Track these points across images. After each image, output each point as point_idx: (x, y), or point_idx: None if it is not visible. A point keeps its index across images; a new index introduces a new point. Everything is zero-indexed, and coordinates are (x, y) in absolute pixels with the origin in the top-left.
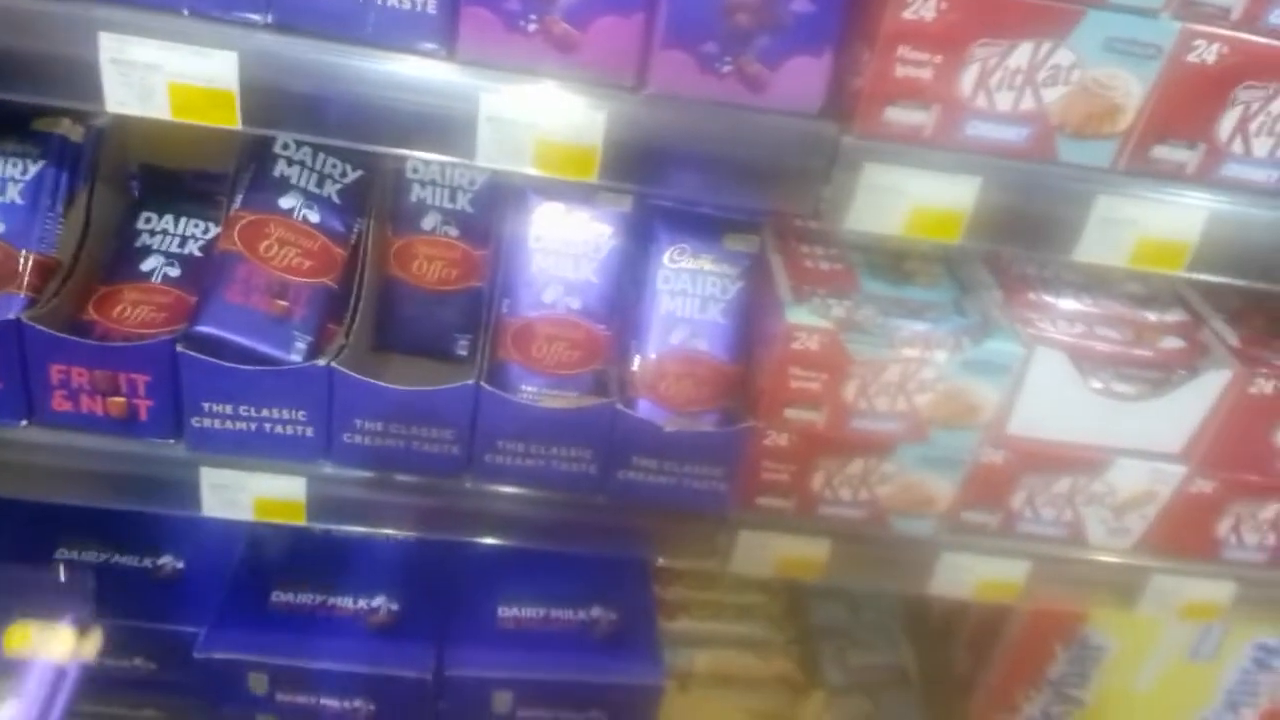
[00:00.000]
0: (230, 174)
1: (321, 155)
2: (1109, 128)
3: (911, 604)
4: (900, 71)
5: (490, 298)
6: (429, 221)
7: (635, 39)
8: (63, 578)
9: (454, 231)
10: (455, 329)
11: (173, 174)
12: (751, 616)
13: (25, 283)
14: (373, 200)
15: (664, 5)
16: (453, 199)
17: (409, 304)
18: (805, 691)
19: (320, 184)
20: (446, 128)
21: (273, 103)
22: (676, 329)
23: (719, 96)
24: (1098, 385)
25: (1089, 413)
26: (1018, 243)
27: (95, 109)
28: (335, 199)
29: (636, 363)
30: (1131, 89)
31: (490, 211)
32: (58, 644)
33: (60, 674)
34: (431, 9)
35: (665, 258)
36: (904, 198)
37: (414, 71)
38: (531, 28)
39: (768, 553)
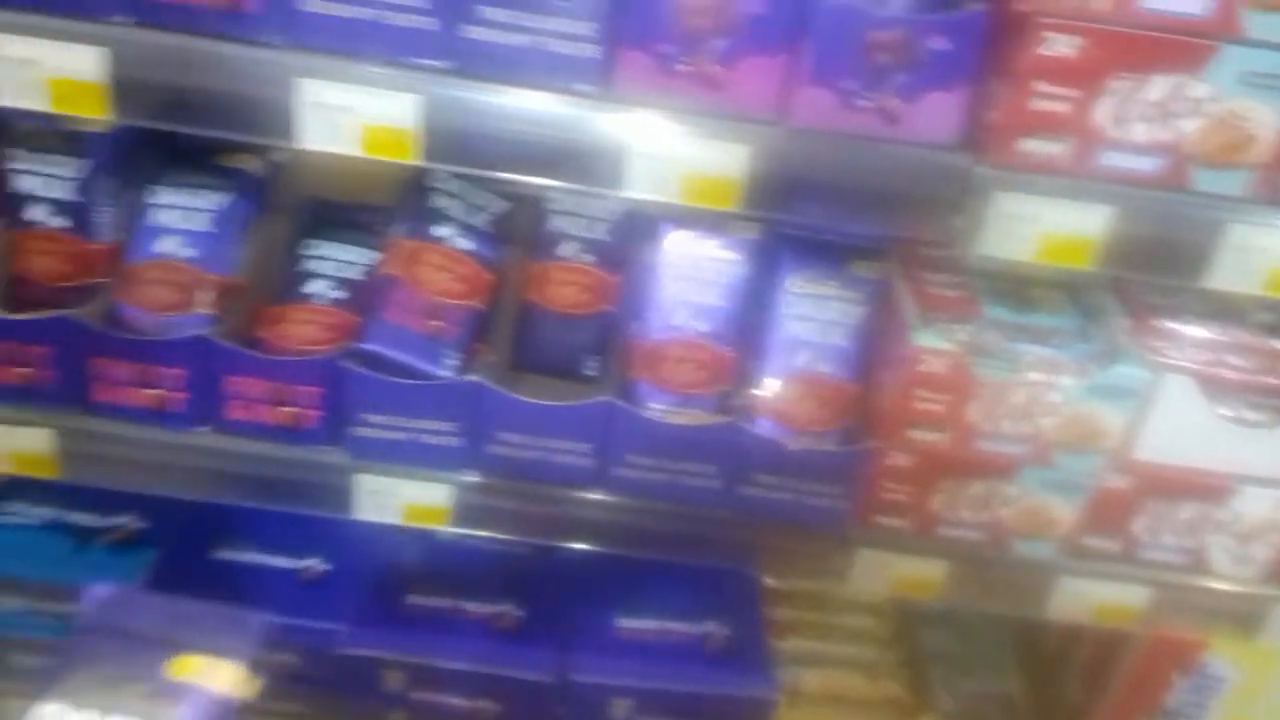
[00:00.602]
0: (389, 206)
1: (473, 188)
2: (1243, 158)
3: (1023, 631)
4: (1036, 105)
5: (622, 321)
6: (566, 249)
7: (779, 77)
8: (235, 616)
9: (589, 258)
10: (586, 351)
11: (336, 205)
12: (861, 639)
13: (210, 302)
14: (517, 229)
15: (809, 47)
16: (589, 228)
17: (544, 326)
18: (914, 715)
19: (471, 214)
20: (599, 162)
21: (449, 140)
22: (800, 352)
23: (856, 129)
24: (1226, 412)
25: (1216, 440)
26: (1149, 270)
27: (290, 146)
28: (484, 228)
29: (760, 383)
30: (1267, 120)
31: (624, 240)
32: (222, 678)
33: (221, 707)
34: (592, 53)
35: (791, 283)
36: (1035, 225)
37: (572, 110)
38: (683, 68)
39: (885, 572)
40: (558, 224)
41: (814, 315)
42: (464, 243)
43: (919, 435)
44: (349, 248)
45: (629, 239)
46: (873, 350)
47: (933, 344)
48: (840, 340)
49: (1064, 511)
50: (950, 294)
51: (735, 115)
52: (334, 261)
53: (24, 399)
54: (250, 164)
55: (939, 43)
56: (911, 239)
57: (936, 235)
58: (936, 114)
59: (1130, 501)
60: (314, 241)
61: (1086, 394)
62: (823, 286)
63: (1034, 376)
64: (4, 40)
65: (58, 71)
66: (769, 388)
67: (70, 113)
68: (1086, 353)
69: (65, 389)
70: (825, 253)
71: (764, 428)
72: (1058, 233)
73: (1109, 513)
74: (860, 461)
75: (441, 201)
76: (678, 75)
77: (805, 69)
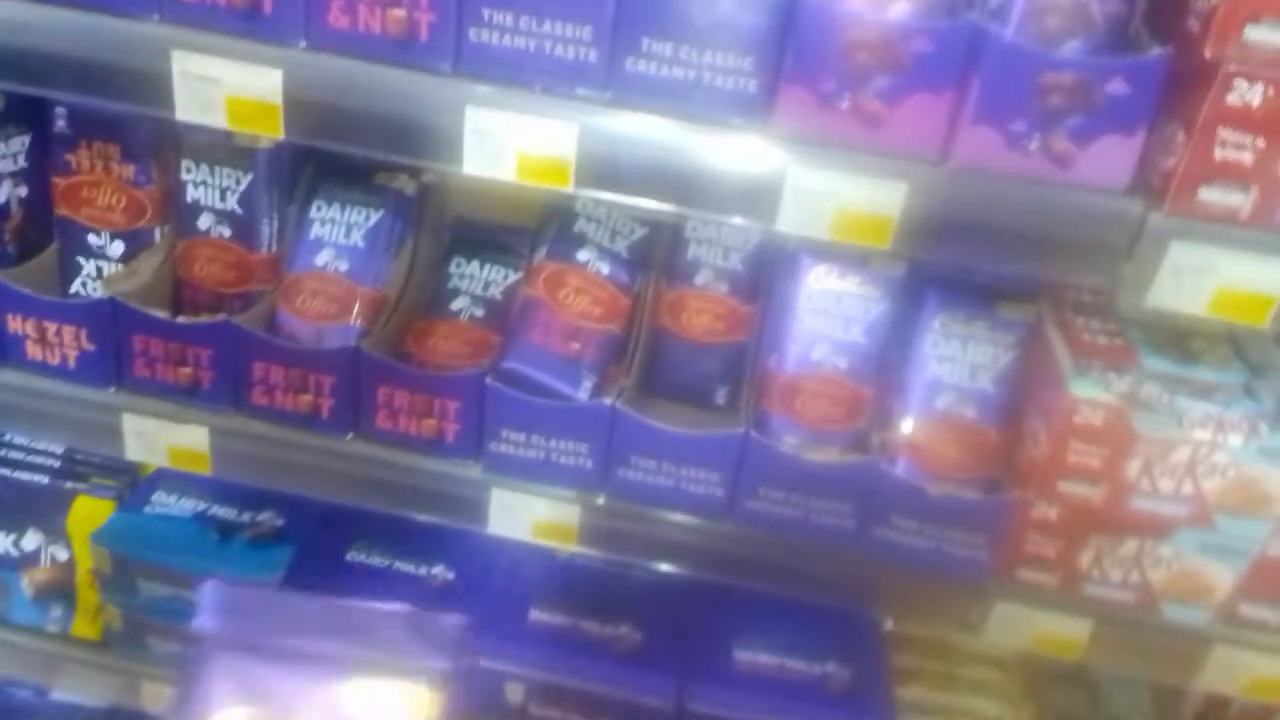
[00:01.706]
0: (530, 228)
1: (615, 213)
2: None
3: (1161, 697)
4: (1220, 154)
5: (756, 352)
6: (702, 277)
7: (943, 115)
8: (437, 623)
9: (724, 287)
10: (716, 379)
11: (480, 226)
12: (987, 692)
13: (360, 314)
14: (654, 255)
15: (978, 87)
16: (725, 257)
17: (676, 353)
18: None
19: (612, 239)
20: (752, 195)
21: (604, 169)
22: (943, 394)
23: (1022, 171)
24: None
25: None
26: None
27: (455, 170)
28: (624, 253)
29: (899, 424)
30: None
31: (760, 270)
32: (411, 696)
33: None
34: (752, 88)
35: (936, 323)
36: (1212, 277)
37: (730, 143)
38: (844, 105)
39: (1024, 627)
40: (695, 252)
41: (959, 357)
42: (604, 267)
43: (1070, 488)
44: (492, 267)
45: (764, 269)
46: (1020, 396)
47: (1090, 394)
48: (986, 384)
49: (1222, 577)
50: (1105, 341)
51: (895, 153)
52: (477, 280)
53: (184, 397)
54: (404, 183)
55: (1117, 87)
56: (1072, 285)
57: (1104, 283)
58: (1109, 159)
59: None
60: (459, 260)
61: (1255, 455)
62: (969, 327)
63: (1200, 434)
64: (188, 58)
65: (236, 90)
66: (909, 429)
67: (245, 129)
68: (1254, 411)
69: (223, 390)
70: (972, 293)
71: (901, 469)
72: (1235, 286)
73: (1272, 581)
74: (1005, 512)
75: (584, 226)
76: (838, 111)
77: (972, 109)
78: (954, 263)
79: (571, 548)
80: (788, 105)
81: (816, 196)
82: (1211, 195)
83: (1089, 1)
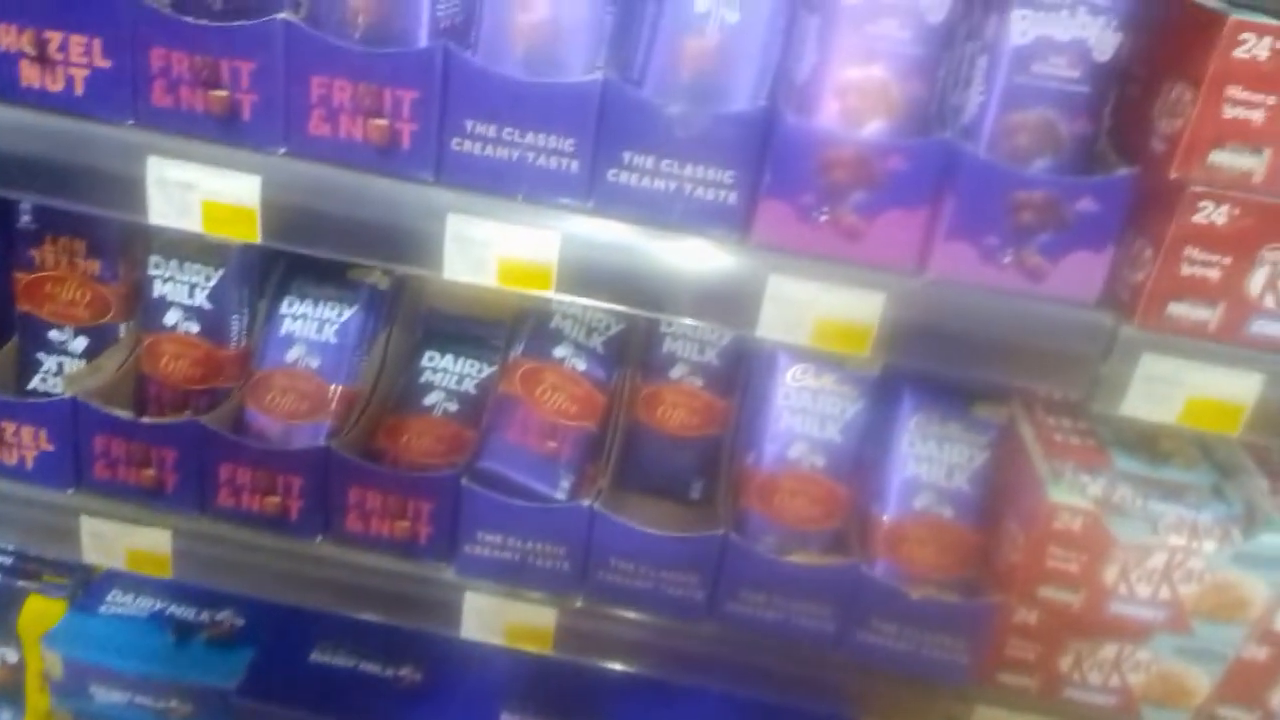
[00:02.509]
0: (503, 320)
1: (590, 309)
2: None
3: None
4: (1187, 271)
5: (732, 448)
6: (677, 371)
7: (919, 230)
8: None
9: (699, 382)
10: (692, 473)
11: (453, 318)
12: None
13: (331, 412)
14: (629, 350)
15: (951, 203)
16: (701, 352)
17: (651, 447)
18: None
19: (588, 335)
20: (732, 303)
21: (586, 275)
22: (921, 494)
23: (996, 283)
24: None
25: None
26: None
27: (435, 274)
28: (600, 349)
29: (878, 524)
30: None
31: (736, 365)
32: None
33: None
34: (732, 200)
35: (912, 423)
36: (1181, 388)
37: (711, 253)
38: (822, 218)
39: None
40: (670, 346)
41: (936, 456)
42: (581, 364)
43: (1050, 593)
44: (466, 360)
45: (740, 363)
46: (996, 495)
47: (1069, 500)
48: (963, 484)
49: (1200, 680)
50: (1077, 442)
51: (873, 265)
52: (450, 374)
53: (146, 499)
54: (378, 279)
55: (1086, 204)
56: (1046, 393)
57: (1078, 392)
58: (1080, 273)
59: (1272, 674)
60: (432, 353)
61: (1229, 562)
62: (944, 427)
63: (1173, 540)
64: (165, 164)
65: (213, 195)
66: (887, 529)
67: (221, 234)
68: (1225, 515)
69: (188, 492)
70: (946, 392)
71: (880, 570)
72: (1204, 397)
73: (1248, 685)
74: (986, 616)
75: (560, 322)
76: (817, 225)
77: (946, 223)
78: (932, 370)
79: (547, 653)
80: (767, 218)
81: (797, 305)
82: (1180, 310)
83: (1056, 121)
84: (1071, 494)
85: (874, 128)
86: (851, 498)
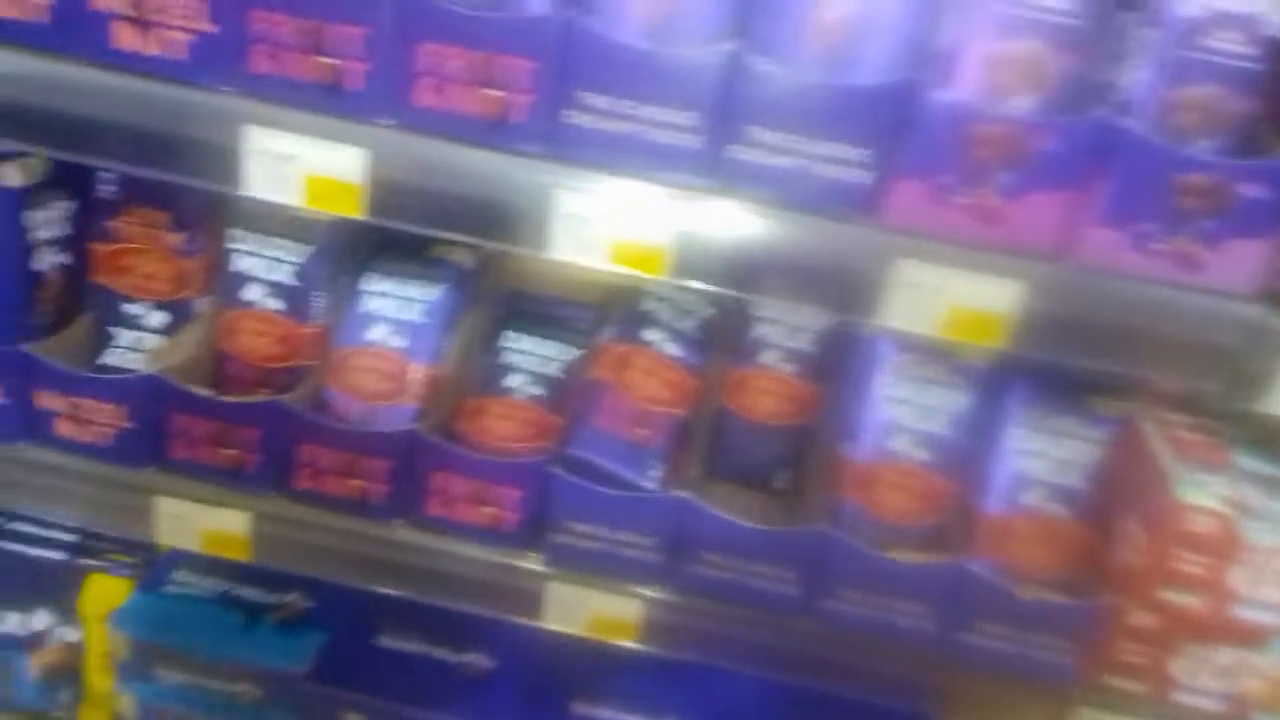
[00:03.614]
0: (588, 301)
1: (681, 290)
2: None
3: None
4: None
5: (825, 437)
6: (768, 357)
7: (1066, 214)
8: None
9: (791, 368)
10: (780, 462)
11: (536, 299)
12: None
13: (414, 393)
14: (721, 334)
15: (1106, 184)
16: (793, 336)
17: (738, 434)
18: None
19: (680, 318)
20: (856, 289)
21: (701, 259)
22: (1031, 489)
23: (1145, 272)
24: None
25: None
26: None
27: (542, 255)
28: (692, 333)
29: (982, 520)
30: None
31: (829, 351)
32: None
33: None
34: (863, 179)
35: (1023, 416)
36: None
37: (835, 235)
38: (961, 200)
39: None
40: (762, 331)
41: (1047, 452)
42: (672, 348)
43: (1171, 596)
44: (548, 343)
45: (834, 351)
46: (1111, 493)
47: (1200, 501)
48: (1075, 481)
49: None
50: (1199, 439)
51: (1011, 250)
52: (533, 356)
53: (225, 480)
54: (462, 256)
55: (1254, 189)
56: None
57: (1221, 388)
58: (1237, 262)
59: None
60: (514, 334)
61: None
62: (1058, 421)
63: None
64: (266, 134)
65: (316, 169)
66: (993, 525)
67: (324, 210)
68: None
69: (267, 473)
70: (1061, 385)
71: (985, 569)
72: None
73: None
74: (1098, 618)
75: (652, 305)
76: (954, 207)
77: (1099, 208)
78: (1070, 363)
79: (630, 644)
80: (900, 198)
81: (926, 292)
82: None
83: (1224, 100)
84: (1202, 495)
85: (1021, 104)
86: (955, 493)
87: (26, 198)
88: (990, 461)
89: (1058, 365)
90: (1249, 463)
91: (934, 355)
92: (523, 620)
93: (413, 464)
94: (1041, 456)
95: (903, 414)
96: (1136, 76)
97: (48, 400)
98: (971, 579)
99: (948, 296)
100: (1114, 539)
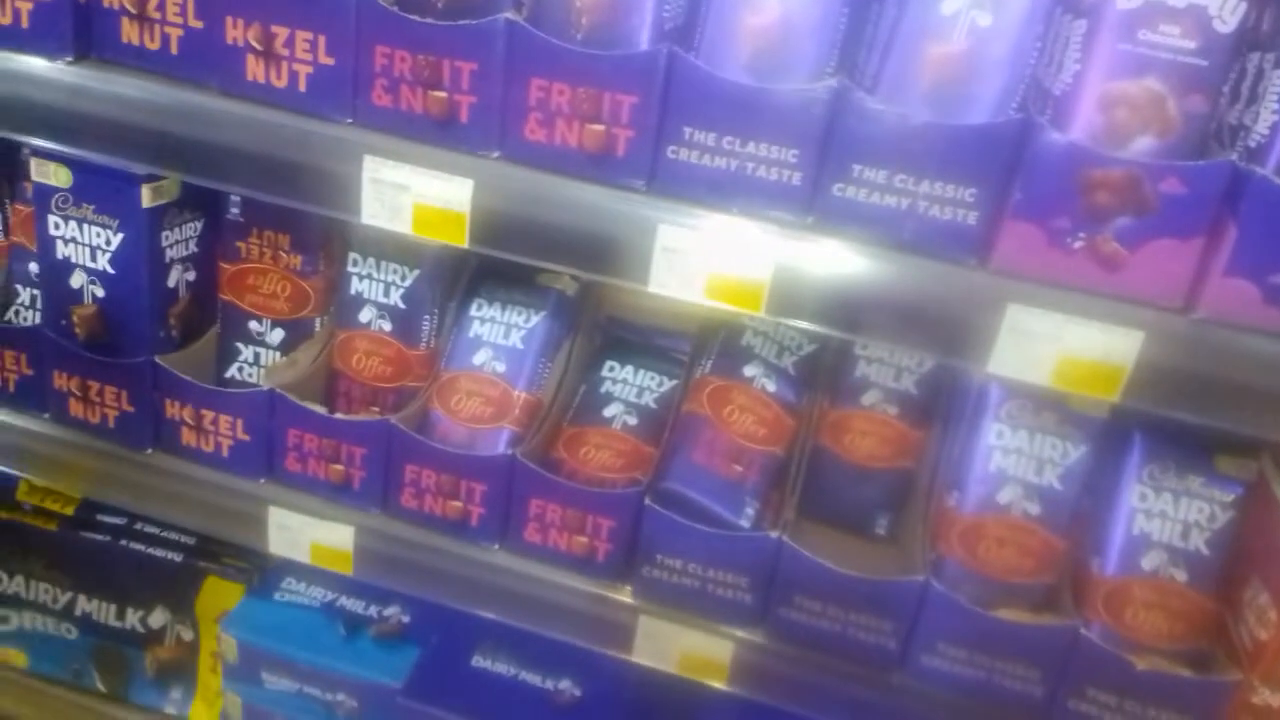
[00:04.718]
0: (685, 331)
1: (781, 325)
2: None
3: None
4: None
5: (930, 485)
6: (869, 398)
7: (1191, 263)
8: None
9: (893, 410)
10: (879, 507)
11: (634, 327)
12: None
13: (515, 418)
14: (821, 372)
15: (1234, 232)
16: (897, 378)
17: (837, 476)
18: None
19: (779, 355)
20: (962, 333)
21: (800, 297)
22: (1151, 553)
23: (1277, 326)
24: None
25: None
26: None
27: (643, 288)
28: (791, 370)
29: (1098, 583)
30: None
31: (935, 395)
32: None
33: None
34: (971, 220)
35: (1144, 474)
36: None
37: (943, 278)
38: (1077, 245)
39: None
40: (864, 370)
41: (1170, 513)
42: (770, 385)
43: None
44: (645, 373)
45: (940, 394)
46: (1236, 561)
47: None
48: (1200, 545)
49: None
50: None
51: (1130, 299)
52: (631, 386)
53: (333, 495)
54: (565, 284)
55: None
56: None
57: None
58: None
59: None
60: (613, 364)
61: None
62: (1182, 481)
63: None
64: (381, 164)
65: (424, 197)
66: (1110, 590)
67: (429, 236)
68: None
69: (373, 490)
70: (1183, 442)
71: (1099, 634)
72: None
73: None
74: (1221, 693)
75: (752, 339)
76: (1070, 251)
77: (1226, 257)
78: (1189, 419)
79: (720, 686)
80: (1012, 241)
81: (1038, 340)
82: None
83: None
84: None
85: (1141, 146)
86: (1066, 551)
87: (160, 217)
88: (1107, 520)
89: (1182, 420)
90: None
91: (1048, 404)
92: (613, 652)
93: (510, 489)
94: (1163, 517)
95: (1013, 464)
96: (1269, 121)
97: (174, 410)
98: (1083, 644)
99: (1060, 345)
100: (1241, 610)
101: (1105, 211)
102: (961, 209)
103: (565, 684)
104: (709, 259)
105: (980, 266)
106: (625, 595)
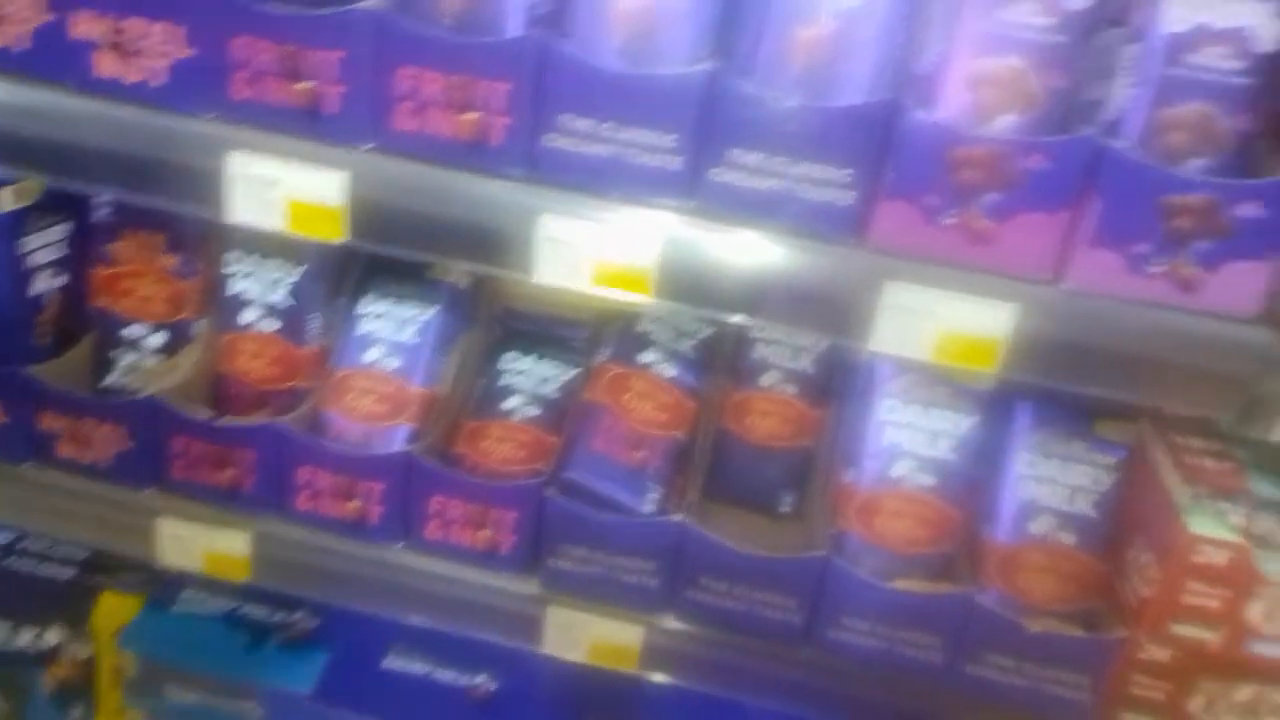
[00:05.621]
0: (585, 320)
1: (679, 311)
2: None
3: None
4: None
5: (828, 462)
6: (768, 378)
7: (1057, 236)
8: None
9: (792, 389)
10: (782, 486)
11: (532, 318)
12: None
13: (411, 414)
14: (719, 355)
15: (1095, 207)
16: (795, 358)
17: (740, 457)
18: None
19: (677, 340)
20: (843, 311)
21: (686, 280)
22: (1040, 518)
23: (1142, 295)
24: None
25: None
26: None
27: (525, 278)
28: (690, 354)
29: (991, 549)
30: None
31: (831, 373)
32: None
33: None
34: (848, 201)
35: (1031, 441)
36: None
37: (821, 258)
38: (949, 221)
39: None
40: (762, 352)
41: (1056, 478)
42: (669, 370)
43: (1184, 630)
44: (546, 363)
45: (836, 373)
46: (1121, 522)
47: (1211, 532)
48: (1086, 508)
49: None
50: (1211, 464)
51: (1002, 273)
52: (531, 376)
53: (225, 501)
54: (458, 276)
55: (1251, 209)
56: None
57: (1226, 414)
58: (1239, 284)
59: None
60: (512, 355)
61: None
62: (1067, 447)
63: None
64: (247, 159)
65: (298, 193)
66: (1002, 555)
67: (306, 234)
68: None
69: (266, 494)
70: (1066, 410)
71: (994, 600)
72: None
73: None
74: (1111, 652)
75: (649, 325)
76: (942, 228)
77: (1089, 229)
78: (1065, 389)
79: (633, 671)
80: (888, 220)
81: (916, 315)
82: None
83: (1214, 117)
84: (1214, 526)
85: (1006, 123)
86: (961, 520)
87: (21, 222)
88: (997, 488)
89: (1073, 392)
90: (1264, 489)
91: (938, 378)
92: (524, 645)
93: (408, 486)
94: (1050, 483)
95: (905, 438)
96: (1125, 95)
97: (50, 422)
98: (979, 611)
99: (938, 320)
100: (1126, 569)
101: (974, 188)
102: (838, 190)
103: (481, 679)
104: (594, 247)
105: (859, 245)
106: (532, 587)
